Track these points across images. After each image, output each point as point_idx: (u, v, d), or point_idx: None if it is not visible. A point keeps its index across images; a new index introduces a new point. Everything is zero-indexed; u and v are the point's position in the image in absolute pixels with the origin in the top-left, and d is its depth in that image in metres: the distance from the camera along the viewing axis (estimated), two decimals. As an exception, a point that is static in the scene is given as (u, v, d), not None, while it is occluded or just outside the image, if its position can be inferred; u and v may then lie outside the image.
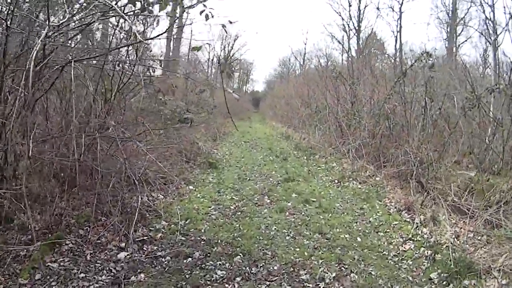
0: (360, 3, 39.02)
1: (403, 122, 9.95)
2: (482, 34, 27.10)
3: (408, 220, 6.94)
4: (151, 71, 7.76)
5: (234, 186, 9.36)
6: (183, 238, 5.87)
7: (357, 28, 39.28)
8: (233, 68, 64.12)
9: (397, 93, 10.06)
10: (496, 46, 26.57)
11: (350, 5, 39.26)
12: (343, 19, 39.89)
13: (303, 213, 7.39)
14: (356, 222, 6.96)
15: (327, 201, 8.22)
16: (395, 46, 36.25)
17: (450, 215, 6.43)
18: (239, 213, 7.34)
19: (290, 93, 25.92)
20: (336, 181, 10.04)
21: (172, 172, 8.94)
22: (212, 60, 58.91)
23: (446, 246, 5.46)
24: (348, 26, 39.85)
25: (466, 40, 32.67)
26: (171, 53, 32.17)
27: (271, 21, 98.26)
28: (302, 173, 11.09)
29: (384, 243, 6.01)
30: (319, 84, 17.33)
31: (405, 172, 8.80)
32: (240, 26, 66.81)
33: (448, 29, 33.09)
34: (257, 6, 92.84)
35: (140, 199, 5.80)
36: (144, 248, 5.40)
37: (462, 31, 32.62)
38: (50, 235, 4.95)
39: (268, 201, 8.21)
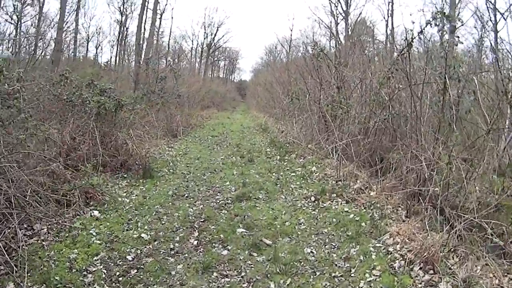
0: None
1: (409, 113, 6.93)
2: (479, 18, 24.04)
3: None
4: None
5: (159, 211, 6.35)
6: None
7: (345, 11, 36.03)
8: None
9: (400, 71, 6.99)
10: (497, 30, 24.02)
11: None
12: (331, 1, 36.56)
13: (242, 276, 4.35)
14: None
15: (292, 244, 5.16)
16: (386, 31, 33.12)
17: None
18: (133, 274, 4.31)
19: (271, 80, 22.97)
20: (313, 198, 6.95)
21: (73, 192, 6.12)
22: (196, 49, 56.25)
23: None
24: (336, 9, 36.68)
25: (462, 24, 29.53)
26: (145, 42, 29.04)
27: (256, 6, 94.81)
28: (267, 183, 8.05)
29: None
30: (300, 68, 14.28)
31: (414, 189, 5.81)
32: (224, 13, 63.83)
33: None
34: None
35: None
36: None
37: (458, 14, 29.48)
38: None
39: (195, 243, 5.15)
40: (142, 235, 5.33)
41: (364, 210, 6.17)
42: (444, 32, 6.19)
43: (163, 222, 5.83)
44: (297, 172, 8.90)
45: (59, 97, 8.72)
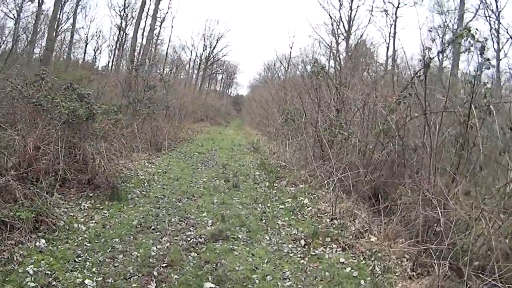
0: (352, 2, 34.90)
1: (422, 146, 5.89)
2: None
3: None
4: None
5: (116, 247, 5.19)
6: None
7: (347, 30, 35.18)
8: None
9: (413, 96, 5.94)
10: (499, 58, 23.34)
11: (341, 4, 35.16)
12: (332, 19, 35.67)
13: None
14: None
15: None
16: (387, 54, 32.35)
17: None
18: None
19: (266, 97, 21.98)
20: (303, 241, 5.81)
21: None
22: (195, 60, 55.36)
23: None
24: (338, 29, 35.83)
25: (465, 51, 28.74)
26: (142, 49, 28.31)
27: (257, 21, 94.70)
28: (251, 218, 6.89)
29: None
30: (298, 86, 13.25)
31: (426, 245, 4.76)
32: (225, 25, 63.19)
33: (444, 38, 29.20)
34: (242, 4, 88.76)
35: None
36: None
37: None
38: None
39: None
40: (86, 281, 4.20)
41: (364, 262, 5.08)
42: (471, 53, 5.12)
43: (116, 264, 4.68)
44: (286, 204, 7.75)
45: (29, 100, 7.72)
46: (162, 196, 7.90)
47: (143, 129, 13.97)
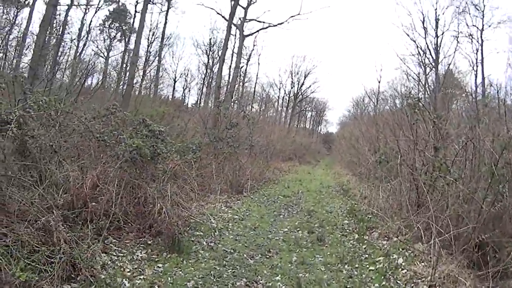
0: (437, 29, 33.08)
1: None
2: None
3: None
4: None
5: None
6: None
7: (434, 60, 33.08)
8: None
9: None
10: None
11: (425, 31, 33.20)
12: (419, 48, 33.73)
13: None
14: None
15: None
16: (475, 81, 30.51)
17: None
18: None
19: (357, 134, 20.78)
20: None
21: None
22: (283, 97, 55.31)
23: None
24: (425, 58, 33.79)
25: None
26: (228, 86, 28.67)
27: (343, 56, 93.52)
28: (333, 285, 5.72)
29: None
30: (391, 122, 12.01)
31: None
32: (311, 62, 62.92)
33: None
34: (327, 39, 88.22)
35: None
36: None
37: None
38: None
39: None
40: None
41: None
42: None
43: None
44: (377, 265, 6.45)
45: (94, 135, 7.32)
46: (232, 251, 6.95)
47: (224, 169, 13.36)
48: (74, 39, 32.01)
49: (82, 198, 6.19)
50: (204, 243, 7.13)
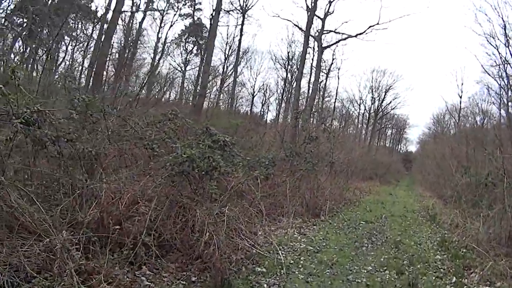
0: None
1: None
2: None
3: None
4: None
5: None
6: None
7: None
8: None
9: None
10: None
11: (507, 39, 30.56)
12: (502, 58, 31.08)
13: None
14: None
15: None
16: None
17: None
18: None
19: (442, 152, 19.51)
20: None
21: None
22: (363, 114, 53.76)
23: None
24: (505, 70, 31.21)
25: None
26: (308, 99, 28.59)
27: (423, 69, 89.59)
28: None
29: None
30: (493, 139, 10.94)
31: None
32: (392, 76, 60.83)
33: None
34: (406, 50, 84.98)
35: None
36: None
37: None
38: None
39: None
40: None
41: None
42: None
43: None
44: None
45: (142, 142, 6.87)
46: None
47: (300, 188, 12.48)
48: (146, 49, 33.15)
49: (116, 216, 5.46)
50: (265, 285, 5.94)
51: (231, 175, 7.62)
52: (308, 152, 13.49)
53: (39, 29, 23.49)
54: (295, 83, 30.32)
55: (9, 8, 21.75)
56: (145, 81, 16.09)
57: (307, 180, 13.04)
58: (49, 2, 24.29)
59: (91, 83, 16.74)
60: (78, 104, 6.25)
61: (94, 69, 17.30)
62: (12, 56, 19.72)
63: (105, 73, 19.41)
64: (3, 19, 21.40)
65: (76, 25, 30.59)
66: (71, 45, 30.37)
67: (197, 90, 26.28)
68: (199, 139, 7.47)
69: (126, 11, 26.27)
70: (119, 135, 7.03)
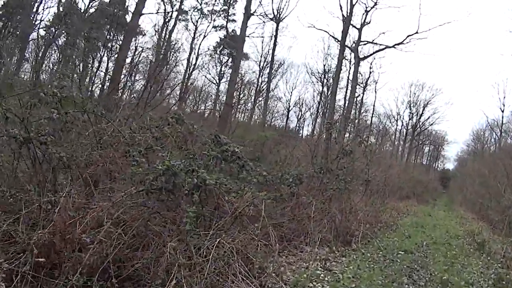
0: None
1: None
2: None
3: None
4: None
5: None
6: None
7: None
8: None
9: None
10: None
11: None
12: None
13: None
14: None
15: None
16: None
17: None
18: None
19: (486, 170, 17.88)
20: None
21: None
22: (401, 130, 51.90)
23: None
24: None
25: None
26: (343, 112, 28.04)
27: (463, 84, 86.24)
28: None
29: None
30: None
31: None
32: (430, 90, 58.56)
33: None
34: (445, 62, 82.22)
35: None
36: None
37: None
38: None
39: None
40: None
41: None
42: None
43: None
44: None
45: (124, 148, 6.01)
46: None
47: (329, 210, 10.63)
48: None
49: (71, 240, 4.41)
50: None
51: (236, 195, 6.18)
52: (341, 168, 11.98)
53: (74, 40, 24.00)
54: (330, 96, 29.36)
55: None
56: (151, 82, 14.96)
57: (338, 200, 11.47)
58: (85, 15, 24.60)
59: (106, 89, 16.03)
60: (49, 100, 5.30)
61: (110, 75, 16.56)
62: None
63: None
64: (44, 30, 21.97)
65: (111, 36, 30.63)
66: (106, 55, 30.49)
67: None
68: (204, 149, 6.55)
69: (146, 14, 25.91)
70: (101, 139, 6.12)
